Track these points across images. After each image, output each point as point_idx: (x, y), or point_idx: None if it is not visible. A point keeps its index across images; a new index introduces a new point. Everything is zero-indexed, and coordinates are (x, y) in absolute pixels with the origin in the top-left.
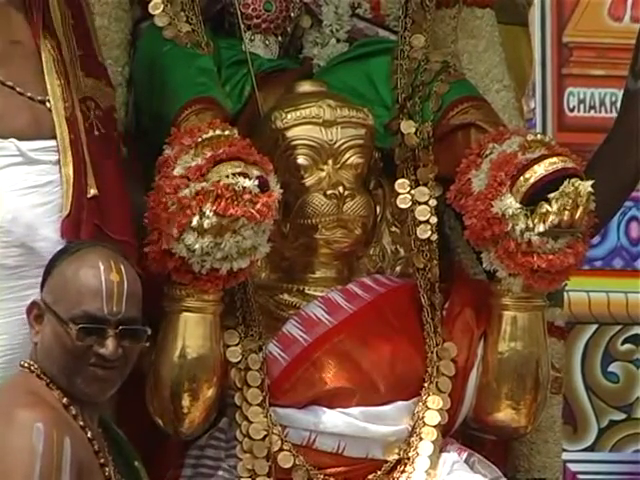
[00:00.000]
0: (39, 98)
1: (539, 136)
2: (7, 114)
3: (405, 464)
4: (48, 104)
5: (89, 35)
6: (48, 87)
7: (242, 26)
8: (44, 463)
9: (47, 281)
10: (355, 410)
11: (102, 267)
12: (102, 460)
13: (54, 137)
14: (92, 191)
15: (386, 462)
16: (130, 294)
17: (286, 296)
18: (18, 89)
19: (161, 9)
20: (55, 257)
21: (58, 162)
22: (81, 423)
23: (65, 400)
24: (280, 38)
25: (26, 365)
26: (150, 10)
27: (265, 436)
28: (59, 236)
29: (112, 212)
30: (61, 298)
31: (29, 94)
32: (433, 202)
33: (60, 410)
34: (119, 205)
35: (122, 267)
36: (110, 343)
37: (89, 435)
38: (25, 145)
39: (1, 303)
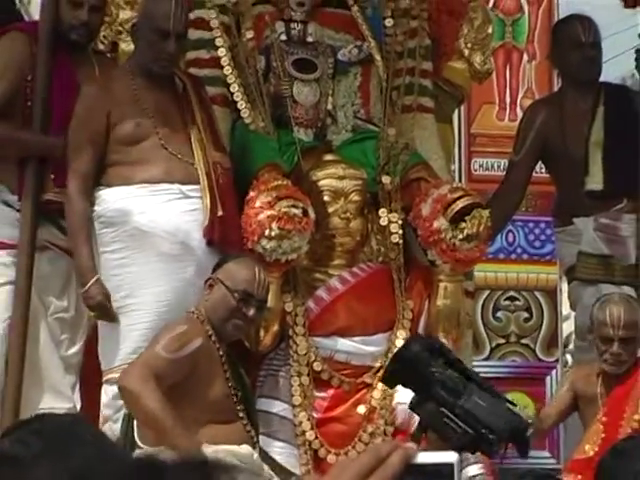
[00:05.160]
0: (190, 162)
1: (459, 184)
2: (173, 170)
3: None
4: (195, 165)
5: (218, 128)
6: (195, 156)
7: (292, 122)
8: (182, 339)
9: (222, 267)
10: (357, 338)
11: (256, 269)
12: (225, 367)
13: (199, 183)
14: (220, 212)
15: (373, 367)
16: (266, 285)
17: (317, 275)
18: (179, 156)
19: (247, 114)
20: (225, 257)
21: (201, 197)
22: (217, 346)
23: (210, 332)
24: (314, 130)
25: (192, 310)
26: (241, 114)
27: (306, 353)
28: (202, 237)
29: (231, 225)
30: (231, 278)
31: (185, 159)
32: (400, 222)
33: (205, 335)
34: (235, 221)
35: (262, 270)
36: (252, 308)
37: (220, 352)
38: (183, 187)
39: (167, 276)
